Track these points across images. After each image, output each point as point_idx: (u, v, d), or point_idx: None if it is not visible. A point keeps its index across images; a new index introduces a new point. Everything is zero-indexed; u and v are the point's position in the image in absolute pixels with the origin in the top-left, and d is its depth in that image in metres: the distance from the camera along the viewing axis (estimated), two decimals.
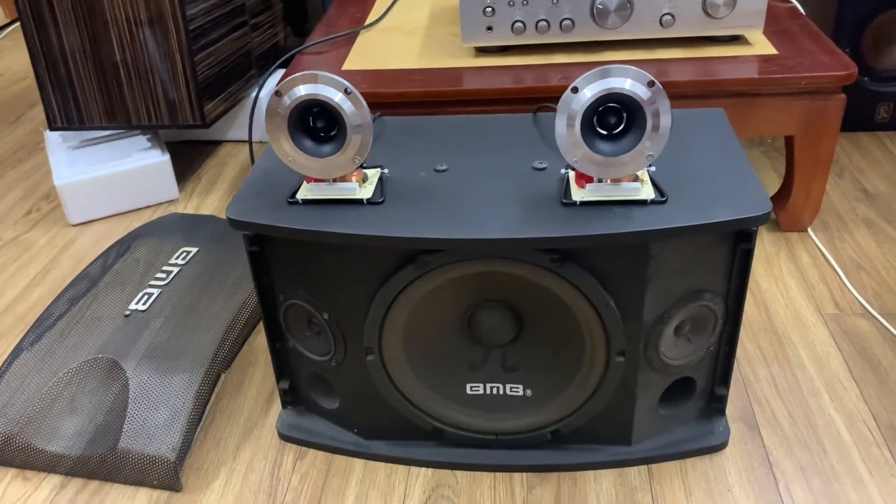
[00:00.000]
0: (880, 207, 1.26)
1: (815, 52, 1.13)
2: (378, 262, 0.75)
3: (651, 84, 0.67)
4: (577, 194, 0.73)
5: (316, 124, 0.73)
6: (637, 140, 0.69)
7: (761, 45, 1.16)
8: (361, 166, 0.77)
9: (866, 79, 1.43)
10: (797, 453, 0.84)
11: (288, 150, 0.73)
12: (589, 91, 0.68)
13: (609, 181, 0.72)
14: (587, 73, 0.68)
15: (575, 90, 0.68)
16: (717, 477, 0.82)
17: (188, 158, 1.55)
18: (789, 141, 1.15)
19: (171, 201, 1.42)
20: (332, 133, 0.73)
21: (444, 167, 0.80)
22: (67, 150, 1.41)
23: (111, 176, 1.35)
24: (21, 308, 1.16)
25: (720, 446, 0.85)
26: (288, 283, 0.81)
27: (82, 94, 1.34)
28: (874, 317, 1.03)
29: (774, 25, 1.23)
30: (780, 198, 1.21)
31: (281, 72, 1.68)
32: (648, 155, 0.69)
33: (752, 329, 1.02)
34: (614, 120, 0.70)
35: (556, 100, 1.10)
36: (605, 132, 0.71)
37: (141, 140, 1.44)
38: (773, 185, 1.33)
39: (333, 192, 0.75)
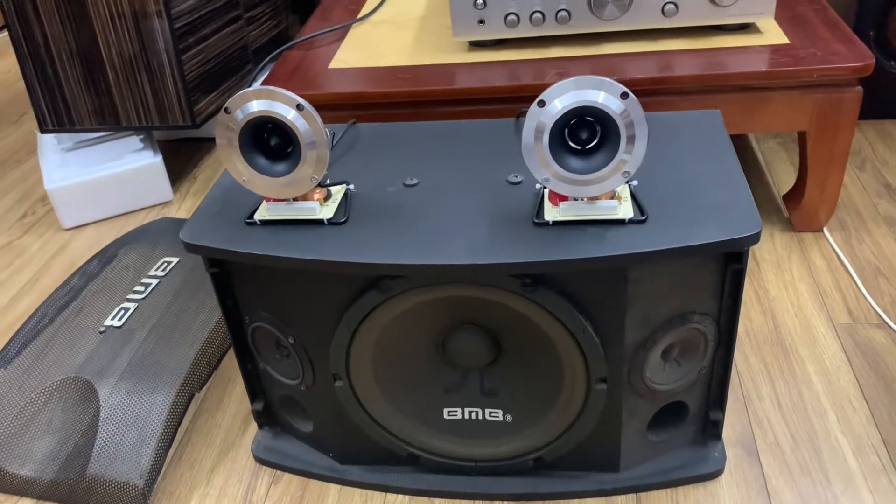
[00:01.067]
0: None
1: (829, 40, 1.05)
2: (341, 286, 0.71)
3: (625, 96, 0.61)
4: (550, 213, 0.68)
5: (270, 141, 0.69)
6: (611, 156, 0.63)
7: (772, 34, 1.08)
8: (323, 184, 0.72)
9: (893, 63, 1.34)
10: (798, 482, 0.79)
11: (241, 170, 0.69)
12: (559, 103, 0.63)
13: (585, 199, 0.67)
14: (555, 85, 0.62)
15: (542, 104, 0.62)
16: None
17: (182, 158, 1.52)
18: (802, 136, 1.08)
19: (165, 203, 1.39)
20: (288, 150, 0.69)
21: (415, 181, 0.75)
22: (60, 153, 1.39)
23: (103, 179, 1.32)
24: (8, 318, 1.14)
25: (715, 474, 0.80)
26: (252, 305, 0.77)
27: (70, 95, 1.31)
28: (890, 327, 0.96)
29: (788, 10, 1.15)
30: (794, 195, 1.14)
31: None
32: (624, 172, 0.64)
33: (757, 341, 0.95)
34: (587, 134, 0.64)
35: None
36: (577, 147, 0.65)
37: (134, 141, 1.41)
38: (789, 179, 1.25)
39: (292, 213, 0.71)
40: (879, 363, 0.91)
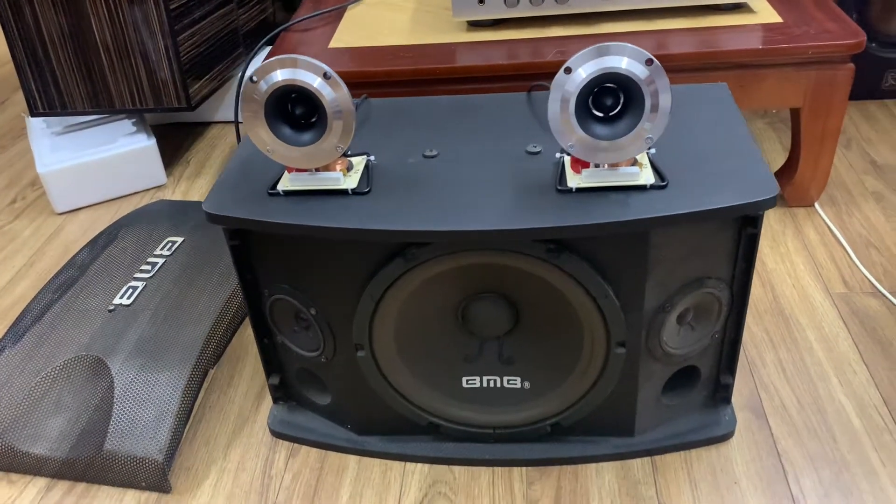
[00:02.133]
0: (890, 179, 1.22)
1: (821, 19, 1.08)
2: (365, 255, 0.71)
3: (649, 62, 0.63)
4: (573, 180, 0.69)
5: (295, 111, 0.69)
6: (635, 122, 0.65)
7: (765, 13, 1.11)
8: (346, 154, 0.73)
9: (874, 45, 1.38)
10: (806, 442, 0.81)
11: (266, 139, 0.69)
12: (583, 71, 0.64)
13: (606, 166, 0.68)
14: (581, 52, 0.64)
15: (568, 71, 0.64)
16: (724, 469, 0.80)
17: (175, 141, 1.51)
18: (795, 113, 1.11)
19: (158, 187, 1.38)
20: (313, 120, 0.69)
21: (434, 153, 0.76)
22: (51, 137, 1.37)
23: (96, 162, 1.31)
24: (5, 302, 1.13)
25: (726, 436, 0.82)
26: (272, 277, 0.78)
27: (63, 78, 1.30)
28: (884, 295, 0.99)
29: None
30: (786, 172, 1.17)
31: (267, 49, 1.64)
32: (647, 138, 0.65)
33: (758, 311, 0.98)
34: (611, 101, 0.66)
35: (551, 76, 1.06)
36: (600, 114, 0.66)
37: (126, 124, 1.39)
38: (779, 158, 1.28)
39: (316, 183, 0.71)
40: (876, 329, 0.94)
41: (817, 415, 0.84)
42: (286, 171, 0.73)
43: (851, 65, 1.04)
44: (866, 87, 1.42)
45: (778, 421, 0.84)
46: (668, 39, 1.06)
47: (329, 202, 0.71)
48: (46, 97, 1.32)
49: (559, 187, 0.69)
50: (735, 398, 0.86)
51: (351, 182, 0.72)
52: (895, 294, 0.99)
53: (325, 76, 0.66)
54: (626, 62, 0.63)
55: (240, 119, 1.28)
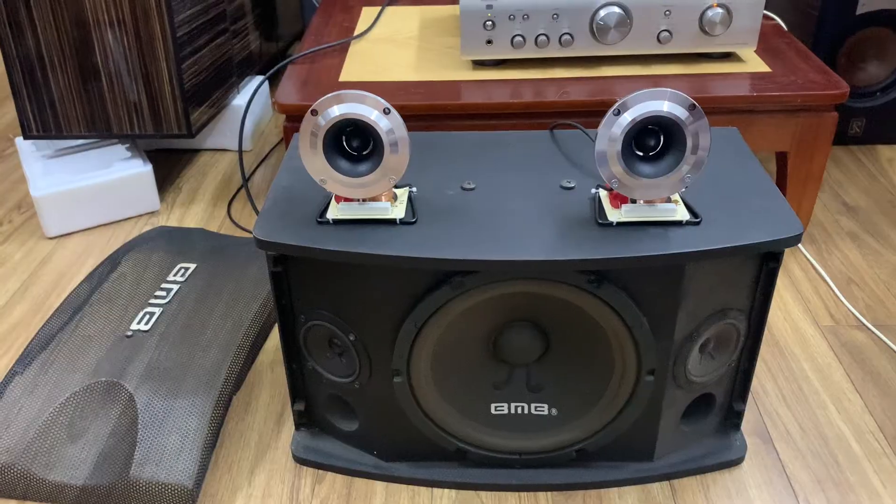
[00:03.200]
0: (862, 220, 1.30)
1: (806, 70, 1.16)
2: (410, 282, 0.74)
3: (692, 107, 0.68)
4: (613, 215, 0.73)
5: (350, 143, 0.71)
6: (676, 162, 0.69)
7: (754, 63, 1.19)
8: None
9: None
10: (812, 466, 0.86)
11: (321, 169, 0.71)
12: (629, 114, 0.68)
13: (643, 202, 0.73)
14: (632, 95, 0.68)
15: (617, 113, 0.68)
16: (739, 492, 0.84)
17: (166, 168, 1.51)
18: (782, 157, 1.18)
19: (152, 213, 1.37)
20: (367, 152, 0.72)
21: (472, 185, 0.79)
22: (42, 160, 1.35)
23: (92, 187, 1.30)
24: (3, 326, 1.10)
25: (738, 460, 0.87)
26: (312, 303, 0.79)
27: (59, 101, 1.28)
28: (869, 329, 1.06)
29: (763, 43, 1.25)
30: None
31: (258, 78, 1.65)
32: (687, 176, 0.70)
33: None
34: (653, 142, 0.70)
35: (558, 114, 1.10)
36: (641, 154, 0.71)
37: (119, 149, 1.39)
38: None
39: (365, 212, 0.74)
40: (865, 360, 1.01)
41: (819, 440, 0.89)
42: (334, 201, 0.75)
43: (835, 113, 1.12)
44: (836, 134, 1.52)
45: (784, 446, 0.89)
46: (664, 84, 1.13)
47: (378, 231, 0.73)
48: (41, 120, 1.30)
49: (600, 221, 0.73)
50: (743, 425, 0.90)
51: (398, 212, 0.74)
52: (879, 327, 1.06)
53: (385, 111, 0.69)
54: (667, 105, 0.68)
55: (234, 147, 1.29)
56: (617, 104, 0.68)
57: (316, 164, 0.71)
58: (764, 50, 1.23)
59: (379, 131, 0.69)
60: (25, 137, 1.31)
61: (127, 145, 1.40)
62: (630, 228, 0.72)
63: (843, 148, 1.53)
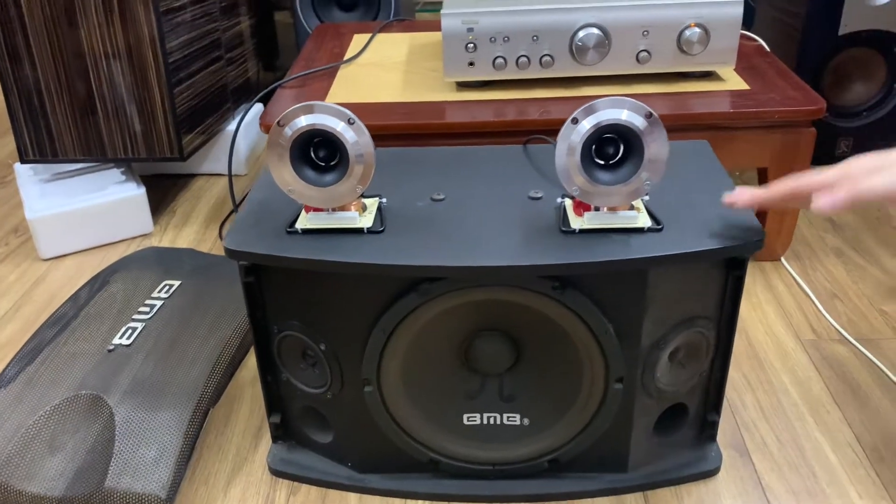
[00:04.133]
0: (847, 237, 1.30)
1: (785, 87, 1.17)
2: (378, 291, 0.75)
3: (649, 115, 0.69)
4: (576, 222, 0.74)
5: (318, 154, 0.73)
6: (635, 169, 0.70)
7: (733, 81, 1.20)
8: (361, 195, 0.77)
9: (827, 114, 1.49)
10: (788, 477, 0.86)
11: (289, 180, 0.73)
12: (587, 122, 0.70)
13: (606, 209, 0.74)
14: (585, 105, 0.70)
15: (575, 121, 0.70)
16: (713, 503, 0.83)
17: (161, 192, 1.54)
18: (762, 173, 1.19)
19: (145, 235, 1.39)
20: (334, 163, 0.73)
21: (441, 196, 0.81)
22: (39, 184, 1.38)
23: (86, 209, 1.32)
24: None
25: (713, 472, 0.86)
26: (283, 314, 0.80)
27: (56, 126, 1.32)
28: (851, 343, 1.06)
29: (744, 62, 1.27)
30: None
31: (258, 105, 1.69)
32: (646, 183, 0.71)
33: (735, 356, 1.04)
34: (612, 150, 0.72)
35: (539, 132, 1.12)
36: (602, 162, 0.72)
37: (114, 173, 1.42)
38: None
39: (334, 222, 0.75)
40: (845, 373, 1.00)
41: (796, 451, 0.89)
42: (304, 211, 0.77)
43: (813, 129, 1.13)
44: (821, 154, 1.53)
45: (760, 457, 0.88)
46: (645, 102, 1.13)
47: (346, 240, 0.74)
48: (38, 145, 1.33)
49: (563, 228, 0.74)
50: (719, 437, 0.90)
51: (366, 221, 0.76)
52: (861, 341, 1.06)
53: (350, 121, 0.71)
54: (626, 114, 0.69)
55: (230, 171, 1.32)
56: (575, 113, 0.70)
57: (283, 174, 0.73)
58: (744, 69, 1.25)
59: (344, 142, 0.71)
60: (23, 162, 1.35)
61: (122, 169, 1.43)
62: (592, 235, 0.73)
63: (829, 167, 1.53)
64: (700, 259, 0.72)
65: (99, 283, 1.13)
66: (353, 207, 0.76)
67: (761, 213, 1.22)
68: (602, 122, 0.69)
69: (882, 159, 0.66)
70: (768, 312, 1.13)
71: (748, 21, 1.69)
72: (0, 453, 0.86)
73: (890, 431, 0.91)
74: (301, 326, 0.80)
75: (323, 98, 1.22)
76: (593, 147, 0.72)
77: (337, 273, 0.74)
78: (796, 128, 1.13)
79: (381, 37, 1.51)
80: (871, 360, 1.02)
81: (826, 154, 1.53)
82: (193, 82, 1.39)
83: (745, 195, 0.72)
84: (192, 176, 1.60)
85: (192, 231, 1.40)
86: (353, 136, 0.71)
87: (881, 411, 0.94)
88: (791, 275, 1.21)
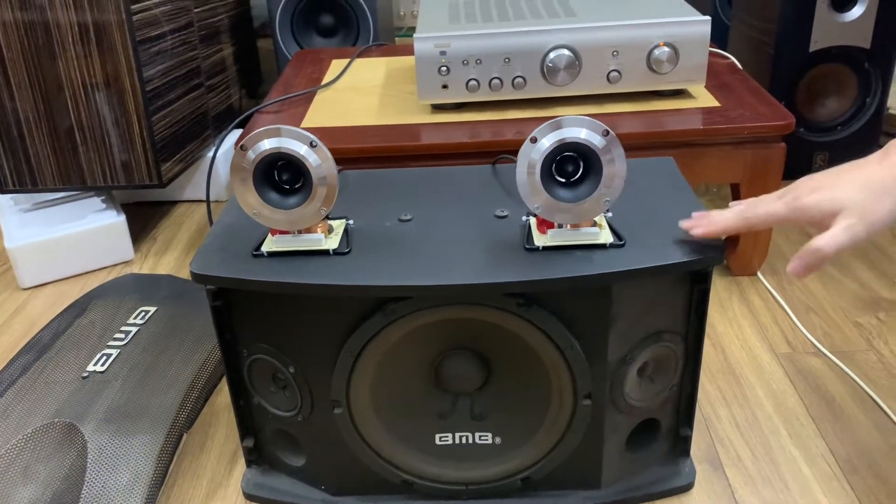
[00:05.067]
0: None
1: (754, 103, 1.19)
2: (345, 312, 0.75)
3: (606, 133, 0.70)
4: (539, 240, 0.75)
5: (281, 177, 0.74)
6: (594, 186, 0.71)
7: (704, 98, 1.22)
8: (327, 217, 0.78)
9: (802, 130, 1.51)
10: (762, 491, 0.86)
11: (253, 204, 0.73)
12: (547, 141, 0.71)
13: (569, 227, 0.75)
14: (544, 125, 0.70)
15: (534, 140, 0.71)
16: None
17: (143, 219, 1.54)
18: (735, 188, 1.20)
19: (126, 262, 1.40)
20: (298, 185, 0.74)
21: (409, 217, 0.82)
22: (19, 213, 1.39)
23: (66, 238, 1.33)
24: None
25: (687, 487, 0.86)
26: (252, 337, 0.80)
27: (35, 156, 1.33)
28: (825, 355, 1.06)
29: (715, 79, 1.29)
30: (730, 243, 1.26)
31: (237, 131, 1.70)
32: (605, 200, 0.72)
33: (710, 370, 1.04)
34: (572, 168, 0.73)
35: (512, 152, 1.13)
36: (563, 179, 0.73)
37: (95, 201, 1.42)
38: None
39: (299, 244, 0.76)
40: (819, 385, 1.01)
41: (770, 465, 0.89)
42: (270, 234, 0.77)
43: (783, 144, 1.15)
44: (798, 169, 1.54)
45: (734, 472, 0.88)
46: (617, 121, 1.16)
47: (311, 262, 0.75)
48: (17, 175, 1.34)
49: (527, 246, 0.75)
50: (693, 451, 0.90)
51: (332, 243, 0.76)
52: (835, 353, 1.06)
53: (312, 144, 0.71)
54: (584, 133, 0.70)
55: (210, 198, 1.32)
56: (534, 132, 0.71)
57: (248, 198, 0.73)
58: (715, 86, 1.26)
59: (307, 164, 0.72)
60: (2, 192, 1.35)
61: (102, 197, 1.43)
62: (556, 252, 0.74)
63: None
64: (662, 273, 0.73)
65: (76, 310, 1.13)
66: (318, 229, 0.77)
67: None
68: (561, 140, 0.70)
69: (822, 180, 0.68)
70: (744, 326, 1.13)
71: (721, 39, 1.72)
72: None
73: (864, 443, 0.91)
74: (270, 349, 0.80)
75: (299, 123, 1.23)
76: (553, 165, 0.72)
77: (303, 295, 0.74)
78: (767, 143, 1.14)
79: (359, 61, 1.53)
80: (845, 371, 1.02)
81: (803, 169, 1.54)
82: (172, 110, 1.40)
83: (700, 227, 0.73)
84: (174, 203, 1.61)
85: (172, 257, 1.41)
86: (316, 158, 0.72)
87: (855, 423, 0.94)
88: (767, 289, 1.21)
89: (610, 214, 0.78)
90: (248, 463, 0.90)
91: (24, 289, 1.33)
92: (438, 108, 1.25)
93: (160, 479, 0.86)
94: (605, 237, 0.74)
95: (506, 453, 0.83)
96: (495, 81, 1.20)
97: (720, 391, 1.01)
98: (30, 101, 1.29)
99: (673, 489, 0.86)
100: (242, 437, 0.88)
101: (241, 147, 0.72)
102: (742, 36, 1.62)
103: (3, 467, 0.87)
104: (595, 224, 0.75)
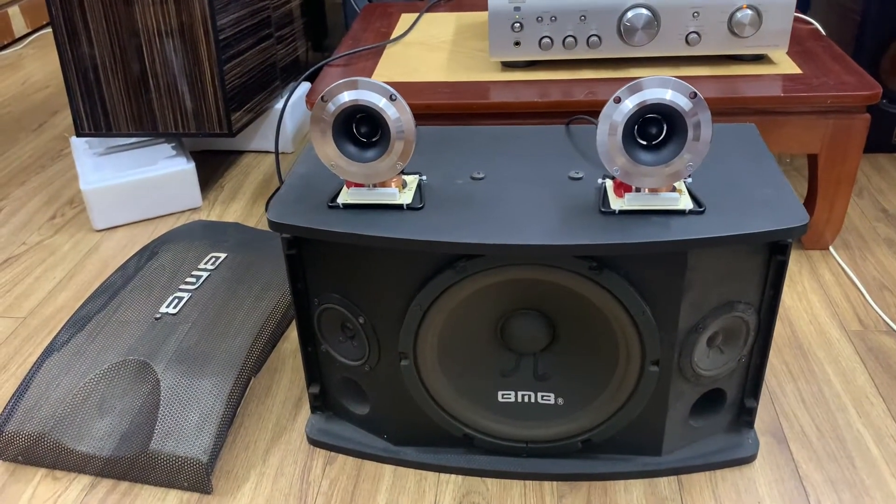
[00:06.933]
0: None
1: (839, 71, 1.14)
2: (416, 266, 0.76)
3: (693, 95, 0.68)
4: (616, 203, 0.74)
5: (360, 130, 0.74)
6: (678, 150, 0.70)
7: (786, 65, 1.17)
8: (401, 172, 0.78)
9: (884, 101, 1.45)
10: (826, 467, 0.85)
11: (332, 155, 0.74)
12: (630, 102, 0.69)
13: (647, 191, 0.73)
14: (629, 84, 0.69)
15: (617, 100, 0.69)
16: (748, 489, 0.83)
17: (211, 168, 1.57)
18: (813, 159, 1.16)
19: (194, 209, 1.43)
20: (375, 139, 0.74)
21: (481, 175, 0.81)
22: (93, 157, 1.43)
23: (137, 182, 1.36)
24: (47, 311, 1.16)
25: (749, 458, 0.86)
26: (324, 286, 0.82)
27: (111, 101, 1.35)
28: None
29: (797, 46, 1.24)
30: None
31: (306, 84, 1.71)
32: (688, 165, 0.70)
33: (777, 344, 1.02)
34: (655, 130, 0.71)
35: (584, 113, 1.11)
36: (645, 143, 0.72)
37: (165, 148, 1.45)
38: None
39: (374, 198, 0.76)
40: (892, 365, 0.98)
41: (836, 442, 0.88)
42: (345, 187, 0.78)
43: (867, 114, 1.10)
44: (877, 141, 1.48)
45: (798, 446, 0.87)
46: (694, 85, 1.12)
47: (385, 215, 0.75)
48: (93, 119, 1.37)
49: (602, 209, 0.74)
50: (757, 424, 0.89)
51: (406, 198, 0.77)
52: None
53: (391, 98, 0.71)
54: (670, 94, 0.69)
55: (279, 149, 1.34)
56: (618, 92, 0.69)
57: (326, 149, 0.74)
58: (798, 53, 1.22)
59: (386, 118, 0.72)
60: (78, 135, 1.39)
61: (173, 144, 1.46)
62: (632, 217, 0.73)
63: (887, 156, 1.49)
64: (741, 243, 0.72)
65: (148, 254, 1.16)
66: (393, 184, 0.77)
67: (810, 200, 1.20)
68: (645, 101, 0.69)
69: None
70: (814, 302, 1.10)
71: (804, 4, 1.65)
72: (52, 414, 0.90)
73: None
74: (341, 299, 0.81)
75: (369, 76, 1.23)
76: (636, 127, 0.71)
77: (376, 248, 0.75)
78: (850, 113, 1.10)
79: (428, 16, 1.51)
80: None
81: (883, 142, 1.49)
82: (243, 60, 1.41)
83: None
84: (241, 153, 1.63)
85: (239, 206, 1.43)
86: (394, 112, 0.72)
87: None
88: (839, 264, 1.18)
89: (690, 180, 0.77)
90: (313, 409, 0.92)
91: (98, 230, 1.37)
92: (509, 65, 1.23)
93: (228, 420, 0.89)
94: (685, 203, 0.73)
95: (567, 414, 0.83)
96: (569, 40, 1.18)
97: (786, 365, 0.99)
98: (106, 47, 1.31)
99: (735, 460, 0.85)
100: (309, 383, 0.90)
101: (321, 98, 0.72)
102: (826, 1, 1.55)
103: (80, 400, 0.90)
104: (674, 189, 0.74)
